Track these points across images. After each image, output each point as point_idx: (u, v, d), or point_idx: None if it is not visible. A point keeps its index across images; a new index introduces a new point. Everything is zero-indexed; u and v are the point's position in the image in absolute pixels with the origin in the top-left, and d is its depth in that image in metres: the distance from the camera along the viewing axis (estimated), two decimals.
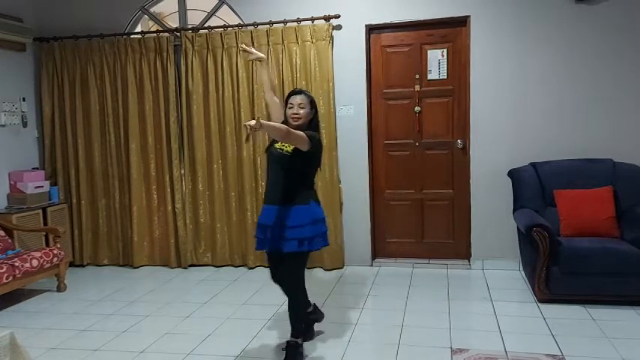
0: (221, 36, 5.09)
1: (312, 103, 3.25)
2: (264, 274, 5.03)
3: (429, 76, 4.98)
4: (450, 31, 4.90)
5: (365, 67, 4.97)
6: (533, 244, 3.95)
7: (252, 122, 2.66)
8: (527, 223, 3.99)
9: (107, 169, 5.45)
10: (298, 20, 4.92)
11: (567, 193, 4.30)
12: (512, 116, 4.73)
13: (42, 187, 5.19)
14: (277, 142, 3.17)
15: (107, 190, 5.48)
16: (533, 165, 4.56)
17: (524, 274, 4.62)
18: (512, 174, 4.61)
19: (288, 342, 3.21)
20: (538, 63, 4.65)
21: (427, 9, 4.80)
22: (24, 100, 5.39)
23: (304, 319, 3.35)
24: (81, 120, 5.43)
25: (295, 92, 3.25)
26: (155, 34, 5.30)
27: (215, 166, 5.22)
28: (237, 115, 5.12)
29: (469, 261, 5.00)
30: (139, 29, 5.64)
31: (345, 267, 5.12)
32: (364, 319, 3.84)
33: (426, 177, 5.09)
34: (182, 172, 5.35)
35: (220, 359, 3.26)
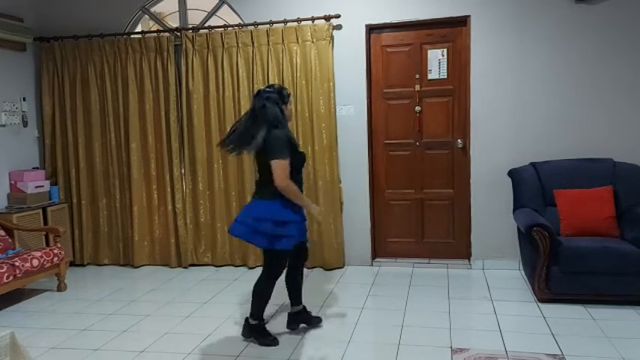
0: (221, 36, 5.09)
1: None
2: None
3: (429, 76, 4.99)
4: (450, 30, 4.90)
5: (365, 67, 4.98)
6: (534, 243, 3.95)
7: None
8: (527, 222, 3.99)
9: (107, 168, 5.45)
10: (298, 20, 4.92)
11: (567, 193, 4.30)
12: (512, 116, 4.73)
13: (42, 186, 5.20)
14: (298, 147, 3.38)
15: (107, 190, 5.48)
16: (533, 165, 4.56)
17: (524, 274, 4.62)
18: (512, 174, 4.61)
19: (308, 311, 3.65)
20: (538, 63, 4.65)
21: (427, 9, 4.80)
22: (24, 99, 5.39)
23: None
24: (81, 120, 5.44)
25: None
26: (155, 34, 5.30)
27: (215, 165, 5.22)
28: (238, 115, 5.11)
29: (469, 261, 5.00)
30: (139, 29, 5.64)
31: (345, 267, 5.12)
32: (364, 319, 3.84)
33: (426, 177, 5.09)
34: (182, 171, 5.35)
35: (220, 359, 3.27)
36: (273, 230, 3.17)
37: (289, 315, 3.65)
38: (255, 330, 3.45)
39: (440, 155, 5.05)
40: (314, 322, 3.68)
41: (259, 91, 3.33)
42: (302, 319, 3.65)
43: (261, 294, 3.40)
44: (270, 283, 3.38)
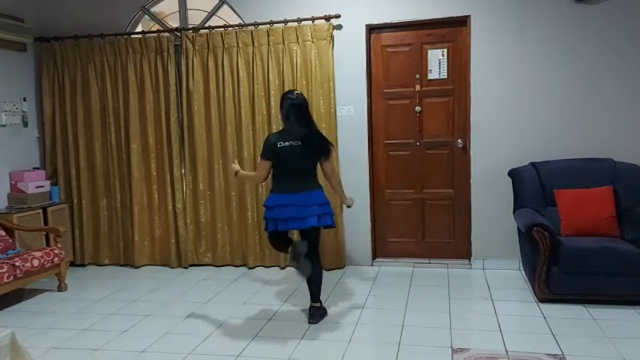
0: (222, 36, 5.09)
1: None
2: (264, 274, 5.04)
3: (430, 76, 4.98)
4: (450, 30, 4.90)
5: (365, 67, 4.98)
6: (534, 243, 3.95)
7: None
8: (527, 222, 3.99)
9: (108, 168, 5.45)
10: (299, 20, 4.93)
11: (567, 193, 4.30)
12: (513, 116, 4.73)
13: (42, 186, 5.20)
14: None
15: (108, 190, 5.48)
16: (534, 165, 4.56)
17: (524, 274, 4.62)
18: (512, 174, 4.61)
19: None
20: (538, 63, 4.65)
21: (427, 9, 4.80)
22: (24, 100, 5.39)
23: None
24: (82, 120, 5.44)
25: None
26: (156, 34, 5.30)
27: (216, 165, 5.22)
28: (238, 115, 5.12)
29: (469, 261, 5.00)
30: (139, 29, 5.64)
31: (345, 267, 5.12)
32: (364, 319, 3.84)
33: (426, 177, 5.09)
34: (183, 171, 5.35)
35: (220, 359, 3.27)
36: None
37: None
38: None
39: (440, 155, 5.05)
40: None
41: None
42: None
43: None
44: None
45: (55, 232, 4.75)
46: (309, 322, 3.74)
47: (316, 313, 3.78)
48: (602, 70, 4.56)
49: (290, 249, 3.71)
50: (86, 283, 5.00)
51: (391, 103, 5.09)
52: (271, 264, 5.20)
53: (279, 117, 3.92)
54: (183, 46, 5.18)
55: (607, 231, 4.12)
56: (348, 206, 4.10)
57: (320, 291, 3.81)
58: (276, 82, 5.00)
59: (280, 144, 3.62)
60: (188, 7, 5.41)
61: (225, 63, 5.09)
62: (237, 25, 5.12)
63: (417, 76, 5.00)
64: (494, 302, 4.07)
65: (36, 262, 4.34)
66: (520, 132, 4.73)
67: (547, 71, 4.64)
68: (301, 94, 3.79)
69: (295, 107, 3.64)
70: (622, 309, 3.78)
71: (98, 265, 5.54)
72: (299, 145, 3.60)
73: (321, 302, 3.83)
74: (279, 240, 3.85)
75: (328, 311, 3.93)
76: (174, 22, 5.61)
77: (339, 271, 5.04)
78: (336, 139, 5.01)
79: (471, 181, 4.90)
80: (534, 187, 4.46)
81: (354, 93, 5.00)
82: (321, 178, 3.82)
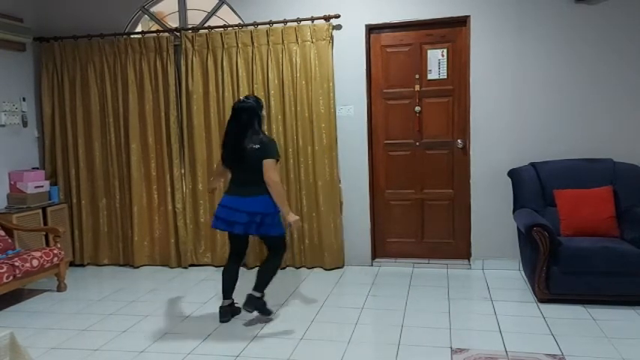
0: (221, 36, 5.09)
1: None
2: None
3: (429, 76, 4.98)
4: (450, 30, 4.90)
5: (365, 67, 4.97)
6: (533, 244, 3.95)
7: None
8: (527, 222, 3.99)
9: (107, 168, 5.45)
10: (298, 20, 4.92)
11: (567, 193, 4.30)
12: (512, 116, 4.73)
13: (42, 186, 5.20)
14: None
15: (107, 190, 5.48)
16: (533, 165, 4.56)
17: (524, 274, 4.62)
18: (512, 174, 4.61)
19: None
20: (538, 63, 4.65)
21: (427, 9, 4.80)
22: (24, 100, 5.39)
23: None
24: (81, 120, 5.43)
25: None
26: (155, 34, 5.30)
27: (215, 165, 5.21)
28: None
29: (469, 261, 5.00)
30: (139, 29, 5.64)
31: (345, 267, 5.12)
32: (364, 319, 3.84)
33: (426, 177, 5.09)
34: (182, 171, 5.35)
35: (220, 359, 3.27)
36: None
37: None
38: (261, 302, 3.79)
39: (440, 155, 5.04)
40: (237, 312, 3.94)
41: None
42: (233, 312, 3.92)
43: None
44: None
45: (55, 232, 4.75)
46: (243, 308, 3.74)
47: (252, 302, 3.71)
48: (602, 70, 4.56)
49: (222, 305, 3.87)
50: (86, 283, 5.00)
51: (391, 103, 5.09)
52: None
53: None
54: (183, 46, 5.18)
55: (607, 231, 4.12)
56: (289, 224, 3.71)
57: (265, 284, 3.75)
58: (276, 82, 5.00)
59: (222, 149, 3.76)
60: (188, 7, 5.41)
61: (225, 63, 5.09)
62: (236, 25, 5.12)
63: (417, 76, 5.00)
64: (494, 302, 4.06)
65: (35, 262, 4.33)
66: (520, 132, 4.73)
67: (547, 71, 4.64)
68: (247, 100, 3.72)
69: (232, 115, 3.71)
70: (622, 309, 3.78)
71: (97, 265, 5.54)
72: (232, 154, 3.66)
73: (262, 295, 3.75)
74: (231, 247, 3.92)
75: (328, 311, 3.91)
76: (173, 22, 5.61)
77: (339, 270, 5.03)
78: (336, 139, 5.01)
79: (471, 181, 4.90)
80: (534, 187, 4.46)
81: (354, 93, 5.00)
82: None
